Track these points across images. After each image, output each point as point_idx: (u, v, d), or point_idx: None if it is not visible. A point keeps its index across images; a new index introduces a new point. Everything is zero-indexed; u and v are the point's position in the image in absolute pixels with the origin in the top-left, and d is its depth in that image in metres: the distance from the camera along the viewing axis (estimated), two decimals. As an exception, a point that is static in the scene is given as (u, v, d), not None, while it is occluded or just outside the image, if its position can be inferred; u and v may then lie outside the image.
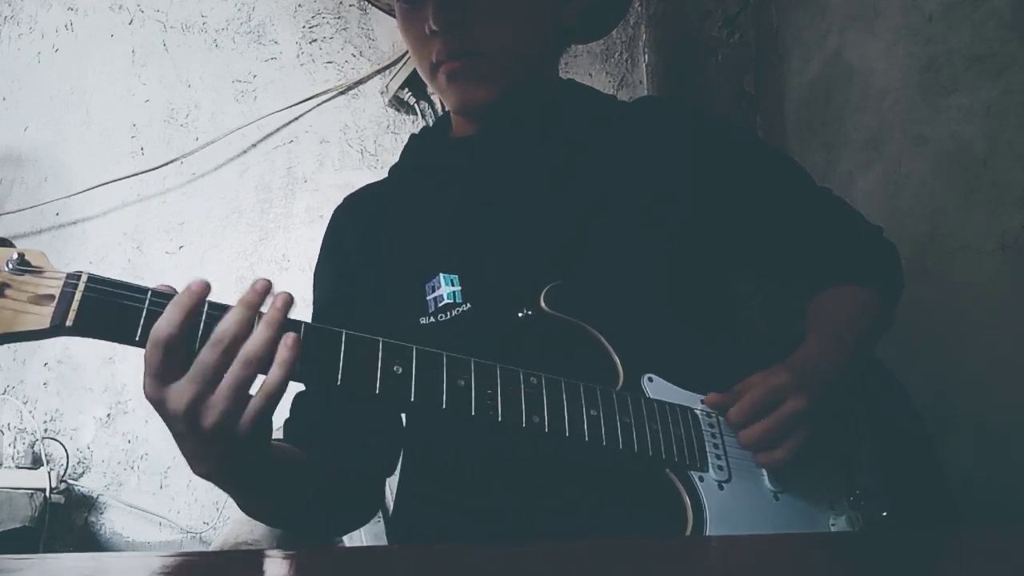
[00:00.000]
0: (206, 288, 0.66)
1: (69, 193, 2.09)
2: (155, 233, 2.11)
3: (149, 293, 0.65)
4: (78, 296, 0.63)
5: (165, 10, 2.22)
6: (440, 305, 0.90)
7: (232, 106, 2.18)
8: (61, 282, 0.63)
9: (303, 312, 1.04)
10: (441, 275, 0.91)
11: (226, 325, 0.64)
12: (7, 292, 0.62)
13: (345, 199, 1.09)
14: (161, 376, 0.64)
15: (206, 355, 0.64)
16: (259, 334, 0.65)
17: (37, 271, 0.64)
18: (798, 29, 1.87)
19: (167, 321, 0.63)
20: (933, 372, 1.33)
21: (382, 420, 0.95)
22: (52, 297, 0.63)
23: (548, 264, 0.90)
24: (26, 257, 0.64)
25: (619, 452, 0.78)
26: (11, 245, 0.65)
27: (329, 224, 1.07)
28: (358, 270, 0.99)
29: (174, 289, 0.67)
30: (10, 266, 0.63)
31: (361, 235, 1.02)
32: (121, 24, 2.21)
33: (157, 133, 2.16)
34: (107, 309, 0.64)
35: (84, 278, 0.64)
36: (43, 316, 0.62)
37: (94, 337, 0.64)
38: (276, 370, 0.65)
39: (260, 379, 0.67)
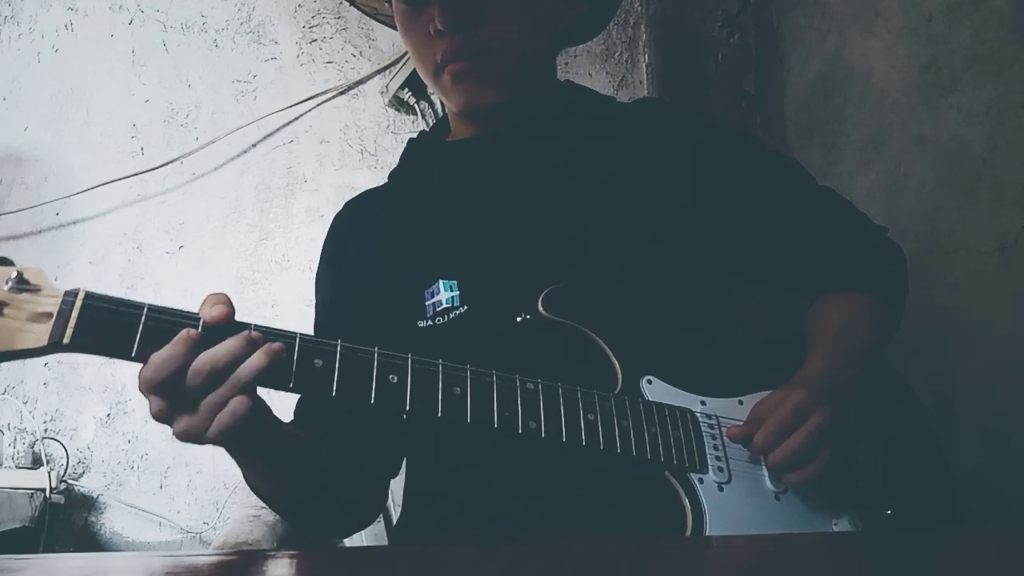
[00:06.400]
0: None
1: (69, 193, 2.09)
2: (155, 233, 2.11)
3: (145, 309, 0.66)
4: (75, 314, 0.63)
5: (165, 10, 2.22)
6: (438, 309, 0.90)
7: (232, 106, 2.18)
8: (59, 300, 0.64)
9: (306, 313, 1.04)
10: (440, 282, 0.91)
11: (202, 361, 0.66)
12: (6, 311, 0.63)
13: (345, 205, 1.09)
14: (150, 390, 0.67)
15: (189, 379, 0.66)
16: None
17: (35, 289, 0.64)
18: (798, 29, 1.87)
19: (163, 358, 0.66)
20: (933, 372, 1.33)
21: (383, 423, 0.95)
22: (50, 315, 0.63)
23: (546, 267, 0.89)
24: (24, 276, 0.64)
25: (617, 456, 0.77)
26: (10, 263, 0.66)
27: (329, 230, 1.07)
28: (358, 276, 0.99)
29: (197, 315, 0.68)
30: (9, 284, 0.63)
31: (361, 242, 1.01)
32: (121, 24, 2.21)
33: (157, 133, 2.16)
34: (104, 326, 0.64)
35: (81, 295, 0.64)
36: (41, 334, 0.63)
37: (91, 353, 0.64)
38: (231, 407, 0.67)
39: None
